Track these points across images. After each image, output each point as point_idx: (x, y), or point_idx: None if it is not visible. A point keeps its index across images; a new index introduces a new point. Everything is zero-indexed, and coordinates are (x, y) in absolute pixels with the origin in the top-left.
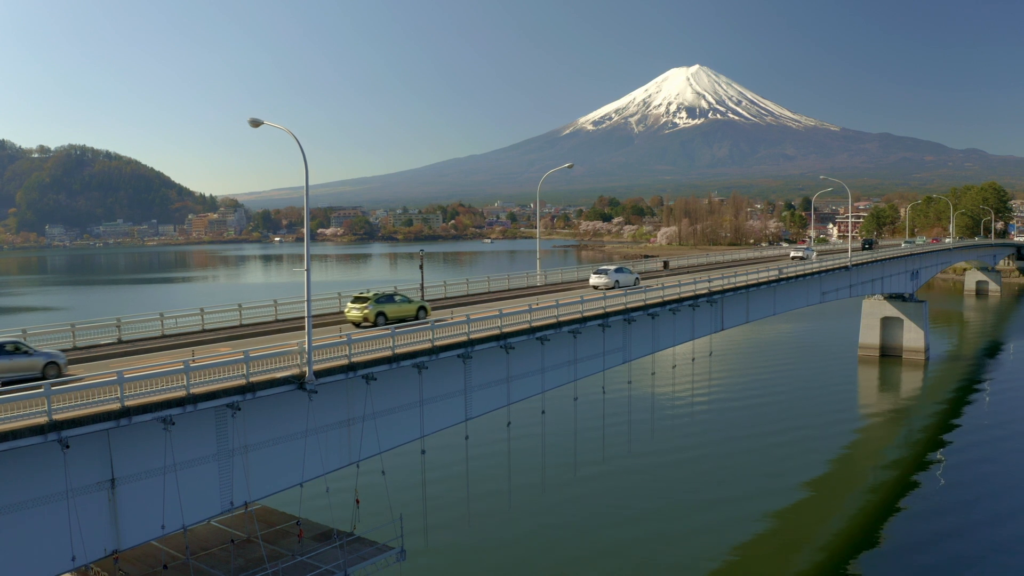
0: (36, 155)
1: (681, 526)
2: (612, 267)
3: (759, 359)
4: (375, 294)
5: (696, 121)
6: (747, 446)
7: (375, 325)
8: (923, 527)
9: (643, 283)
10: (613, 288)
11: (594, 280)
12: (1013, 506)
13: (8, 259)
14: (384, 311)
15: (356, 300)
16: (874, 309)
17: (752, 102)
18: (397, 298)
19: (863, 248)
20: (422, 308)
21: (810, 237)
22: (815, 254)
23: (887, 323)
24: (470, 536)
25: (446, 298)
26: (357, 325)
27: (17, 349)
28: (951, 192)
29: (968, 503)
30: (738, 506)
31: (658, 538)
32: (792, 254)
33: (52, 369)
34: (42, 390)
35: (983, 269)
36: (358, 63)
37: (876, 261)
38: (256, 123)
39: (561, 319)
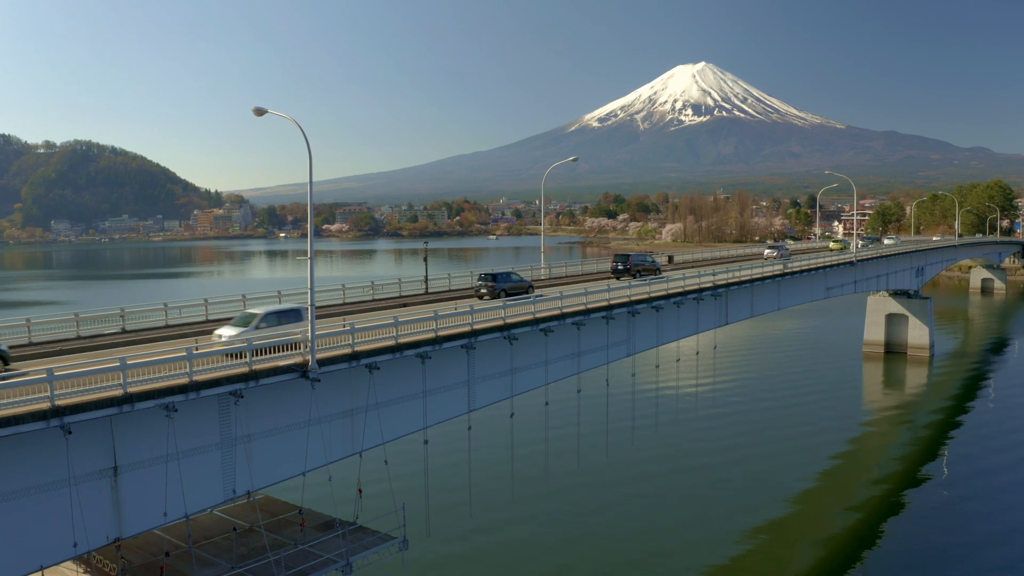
0: (42, 150)
1: (684, 517)
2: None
3: (763, 354)
4: (843, 240)
5: (702, 118)
6: (751, 441)
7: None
8: (926, 525)
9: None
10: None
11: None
12: (1017, 504)
13: (13, 254)
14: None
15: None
16: (879, 306)
17: (758, 99)
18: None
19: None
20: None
21: (815, 235)
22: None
23: (892, 320)
24: (472, 526)
25: (450, 290)
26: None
27: None
28: (957, 190)
29: (971, 500)
30: (741, 500)
31: (661, 529)
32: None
33: None
34: (44, 375)
35: (988, 267)
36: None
37: (881, 257)
38: (260, 112)
39: (565, 311)
